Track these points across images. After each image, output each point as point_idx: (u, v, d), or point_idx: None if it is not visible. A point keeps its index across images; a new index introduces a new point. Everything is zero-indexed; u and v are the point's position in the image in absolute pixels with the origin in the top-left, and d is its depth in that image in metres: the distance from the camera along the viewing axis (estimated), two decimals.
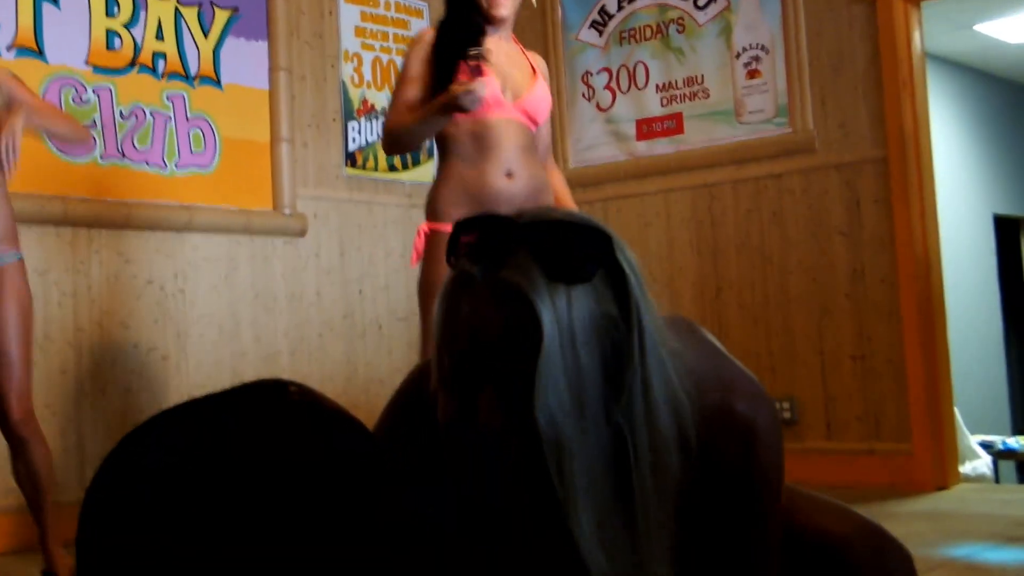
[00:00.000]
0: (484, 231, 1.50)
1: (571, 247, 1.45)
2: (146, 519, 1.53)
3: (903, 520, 4.48)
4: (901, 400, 5.34)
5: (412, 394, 1.76)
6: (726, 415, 1.60)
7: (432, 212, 3.82)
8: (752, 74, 5.87)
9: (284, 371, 5.64)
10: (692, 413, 1.53)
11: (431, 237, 3.78)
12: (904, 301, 5.32)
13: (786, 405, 5.59)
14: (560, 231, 1.47)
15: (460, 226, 1.53)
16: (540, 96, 3.90)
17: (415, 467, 1.67)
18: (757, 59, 5.85)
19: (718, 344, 1.75)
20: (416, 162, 6.37)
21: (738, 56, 5.92)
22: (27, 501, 3.96)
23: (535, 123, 3.88)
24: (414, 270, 6.13)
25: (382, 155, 6.20)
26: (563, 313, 1.41)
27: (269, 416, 1.59)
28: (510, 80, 3.84)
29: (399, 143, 3.87)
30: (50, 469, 3.94)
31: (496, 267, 1.44)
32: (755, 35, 5.87)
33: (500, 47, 3.84)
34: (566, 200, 4.08)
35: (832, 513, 1.78)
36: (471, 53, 3.62)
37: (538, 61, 4.05)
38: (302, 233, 5.80)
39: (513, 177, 3.75)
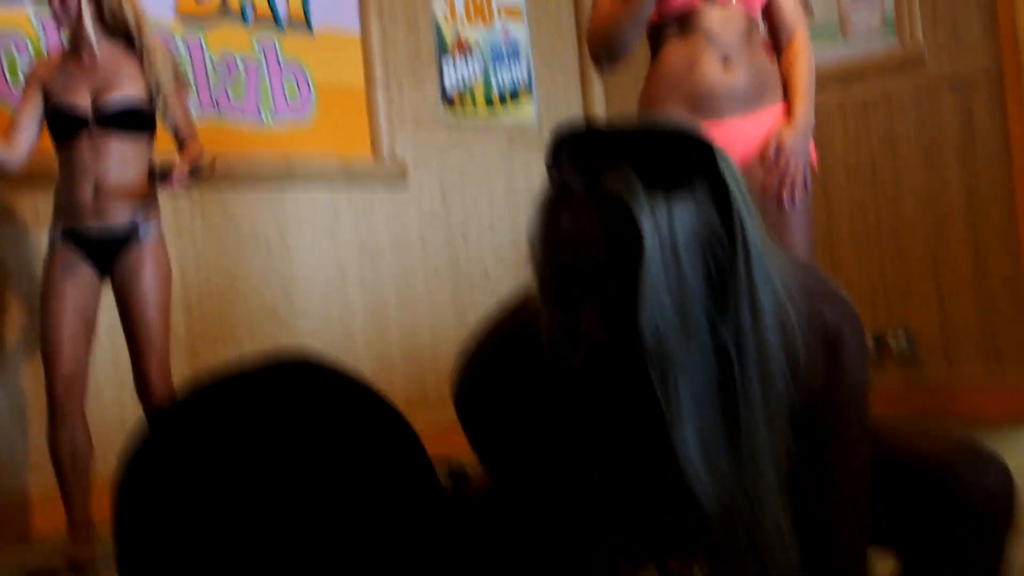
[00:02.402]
0: (583, 142, 1.48)
1: (672, 157, 1.44)
2: (178, 506, 1.51)
3: None
4: (1021, 322, 5.18)
5: (513, 318, 1.77)
6: (814, 322, 1.58)
7: (644, 108, 3.48)
8: None
9: (393, 320, 5.64)
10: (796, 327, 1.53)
11: None
12: (1022, 219, 5.14)
13: (901, 334, 5.45)
14: (661, 141, 1.45)
15: (559, 136, 1.51)
16: None
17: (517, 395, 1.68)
18: None
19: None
20: (515, 98, 6.28)
21: None
22: None
23: (752, 8, 3.42)
24: (519, 212, 6.08)
25: (480, 94, 6.13)
26: (664, 224, 1.40)
27: (297, 399, 1.55)
28: None
29: (609, 39, 3.40)
30: None
31: (596, 178, 1.43)
32: None
33: None
34: (799, 100, 3.41)
35: (925, 436, 1.75)
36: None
37: None
38: (403, 179, 5.74)
39: (730, 65, 3.34)
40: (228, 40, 5.16)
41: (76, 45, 4.02)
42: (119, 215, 3.98)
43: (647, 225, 1.39)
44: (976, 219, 5.29)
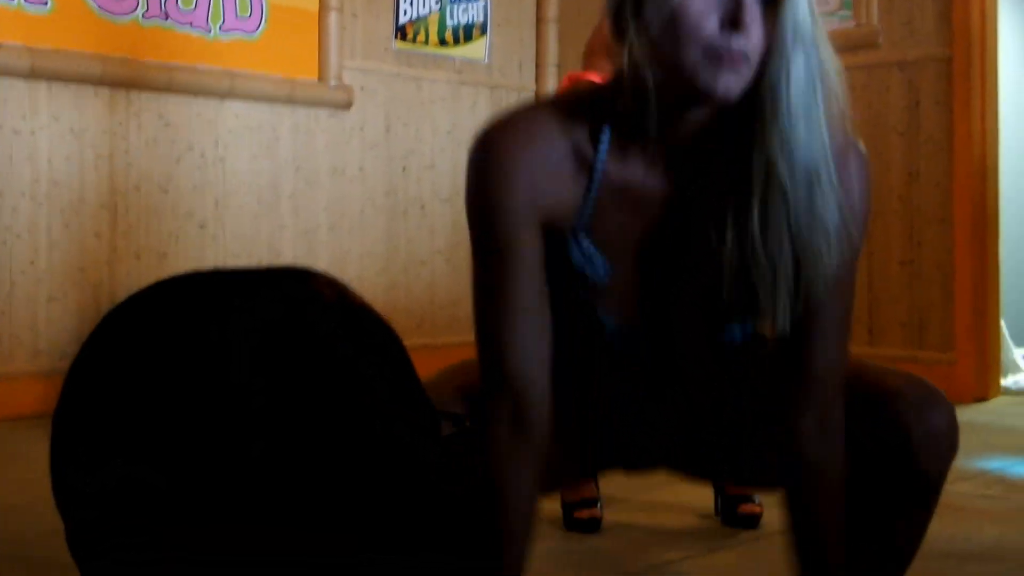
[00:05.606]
0: None
1: None
2: (128, 403, 1.46)
3: None
4: (947, 309, 5.23)
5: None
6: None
7: (585, 57, 3.47)
8: None
9: (323, 246, 5.62)
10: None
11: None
12: (957, 206, 5.19)
13: None
14: None
15: None
16: None
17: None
18: None
19: None
20: (468, 38, 6.26)
21: None
22: None
23: None
24: (461, 149, 6.06)
25: (433, 29, 6.09)
26: None
27: (288, 310, 1.53)
28: None
29: None
30: None
31: None
32: None
33: None
34: None
35: (890, 371, 1.79)
36: None
37: None
38: (347, 106, 5.71)
39: None
40: None
41: None
42: None
43: None
44: (914, 200, 5.33)
